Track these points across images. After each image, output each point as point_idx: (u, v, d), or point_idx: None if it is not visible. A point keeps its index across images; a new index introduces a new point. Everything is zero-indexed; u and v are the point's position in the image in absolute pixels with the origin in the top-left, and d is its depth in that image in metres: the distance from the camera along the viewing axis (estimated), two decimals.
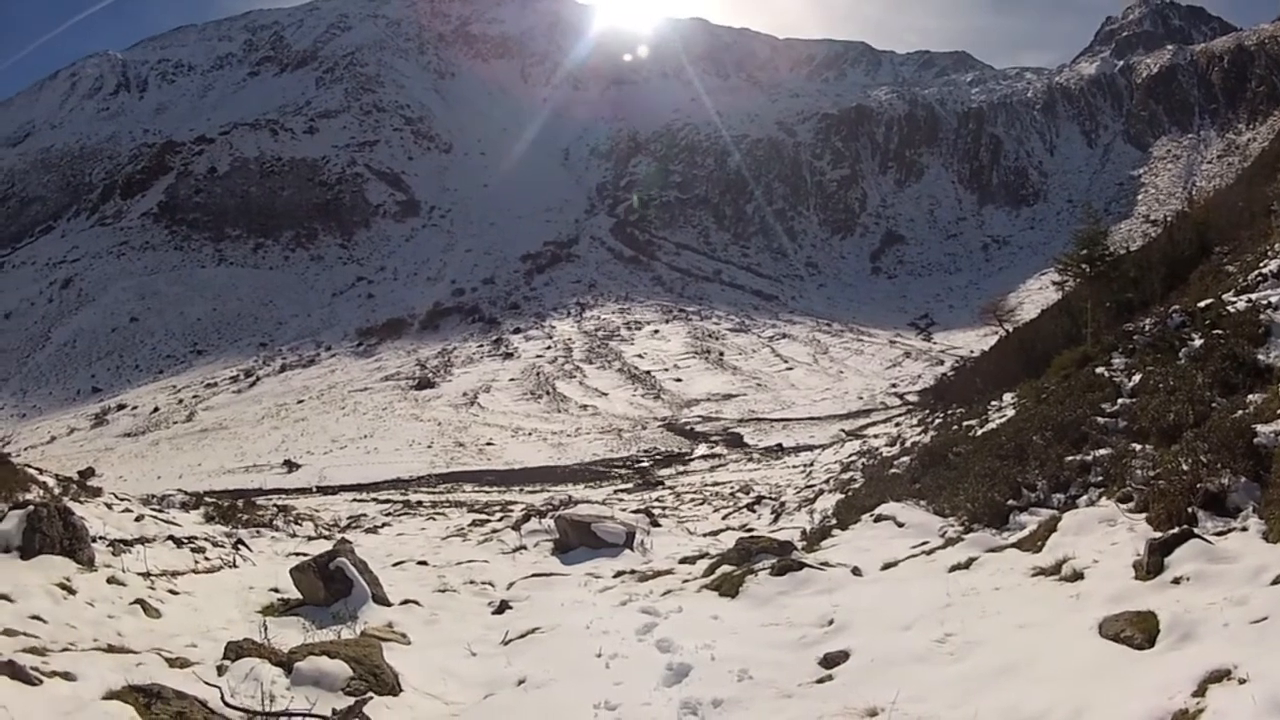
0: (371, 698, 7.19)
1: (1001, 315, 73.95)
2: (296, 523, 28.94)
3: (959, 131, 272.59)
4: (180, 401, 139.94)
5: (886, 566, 11.05)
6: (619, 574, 13.55)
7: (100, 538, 13.99)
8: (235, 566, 15.78)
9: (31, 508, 12.34)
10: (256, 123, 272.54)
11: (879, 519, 14.01)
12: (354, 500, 53.38)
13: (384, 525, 31.59)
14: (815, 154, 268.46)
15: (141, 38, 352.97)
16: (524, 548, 17.91)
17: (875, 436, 54.72)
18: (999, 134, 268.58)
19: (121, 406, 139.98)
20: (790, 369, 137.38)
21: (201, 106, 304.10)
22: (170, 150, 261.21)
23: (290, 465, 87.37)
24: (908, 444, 31.43)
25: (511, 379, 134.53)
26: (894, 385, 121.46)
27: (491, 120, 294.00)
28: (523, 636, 9.89)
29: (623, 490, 49.05)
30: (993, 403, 25.66)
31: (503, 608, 11.96)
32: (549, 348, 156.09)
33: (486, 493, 56.16)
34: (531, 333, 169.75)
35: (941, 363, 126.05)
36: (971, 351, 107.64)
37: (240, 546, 18.39)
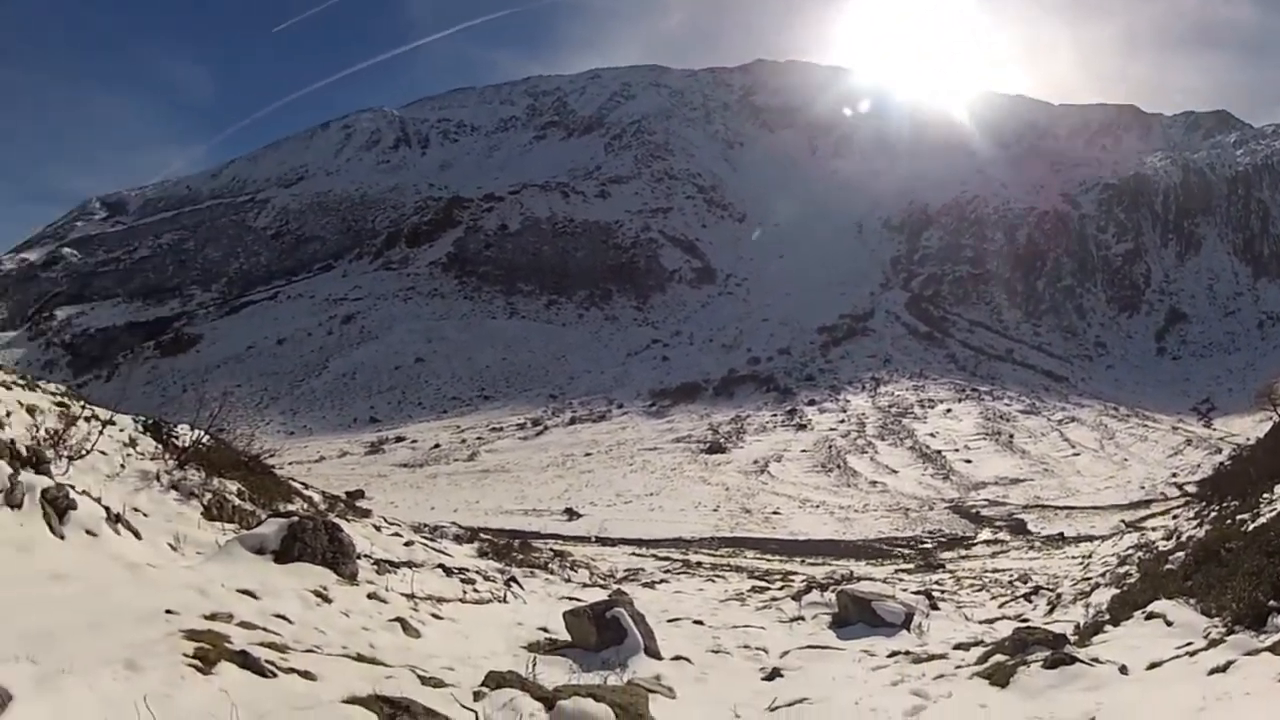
0: None
1: (1276, 400, 68.13)
2: (572, 568, 29.29)
3: (1229, 198, 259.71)
4: (463, 441, 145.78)
5: (1151, 666, 10.49)
6: (894, 654, 13.13)
7: (365, 555, 14.09)
8: (505, 601, 15.82)
9: (296, 519, 12.66)
10: (546, 184, 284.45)
11: (1150, 616, 13.30)
12: (632, 554, 53.86)
13: (661, 581, 31.72)
14: (1099, 226, 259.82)
15: (409, 98, 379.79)
16: (802, 618, 17.38)
17: (1153, 529, 51.80)
18: (1265, 199, 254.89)
19: (400, 439, 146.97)
20: (1077, 454, 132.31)
21: (487, 165, 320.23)
22: (458, 205, 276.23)
23: (571, 513, 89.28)
24: (1183, 538, 30.04)
25: (803, 450, 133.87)
26: (1174, 474, 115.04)
27: (782, 190, 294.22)
28: (790, 705, 9.57)
29: (903, 570, 47.83)
30: (1265, 495, 24.58)
31: (773, 675, 11.61)
32: (842, 421, 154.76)
33: (768, 560, 55.42)
34: (826, 405, 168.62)
35: (1220, 450, 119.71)
36: (1247, 439, 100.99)
37: (513, 584, 18.48)
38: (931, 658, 12.63)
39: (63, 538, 10.60)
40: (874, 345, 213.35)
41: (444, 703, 6.90)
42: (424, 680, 7.92)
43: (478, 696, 7.32)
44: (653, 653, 11.28)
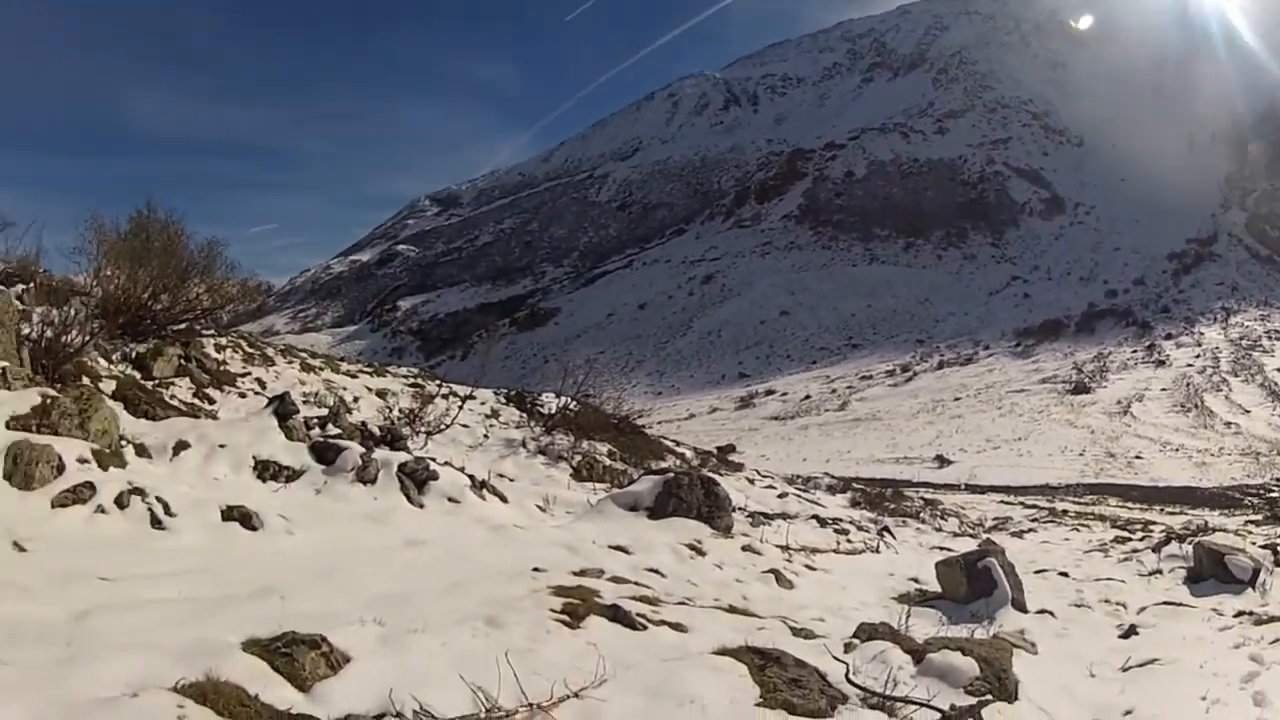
0: (990, 700, 6.76)
1: None
2: (942, 517, 28.95)
3: None
4: (834, 391, 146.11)
5: None
6: (1239, 614, 12.38)
7: (740, 509, 14.38)
8: (878, 552, 15.87)
9: (671, 474, 13.25)
10: (884, 126, 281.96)
11: None
12: (1000, 502, 52.45)
13: (1029, 531, 30.69)
14: None
15: (723, 60, 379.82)
16: (1159, 572, 16.55)
17: None
18: None
19: (770, 392, 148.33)
20: None
21: (821, 115, 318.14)
22: (800, 157, 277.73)
23: (941, 460, 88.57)
24: None
25: (1163, 389, 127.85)
26: None
27: (1113, 109, 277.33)
28: (1142, 666, 9.25)
29: (1252, 521, 44.39)
30: None
31: (1129, 632, 11.23)
32: (1198, 356, 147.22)
33: (1129, 509, 53.09)
34: (1182, 339, 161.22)
35: None
36: None
37: (885, 534, 18.46)
38: (1272, 619, 11.81)
39: (422, 507, 11.64)
40: (1220, 272, 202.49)
41: (814, 654, 6.92)
42: (795, 631, 8.08)
43: (848, 648, 7.33)
44: (1019, 605, 11.11)
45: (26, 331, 13.12)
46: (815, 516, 18.95)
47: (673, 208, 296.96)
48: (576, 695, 5.64)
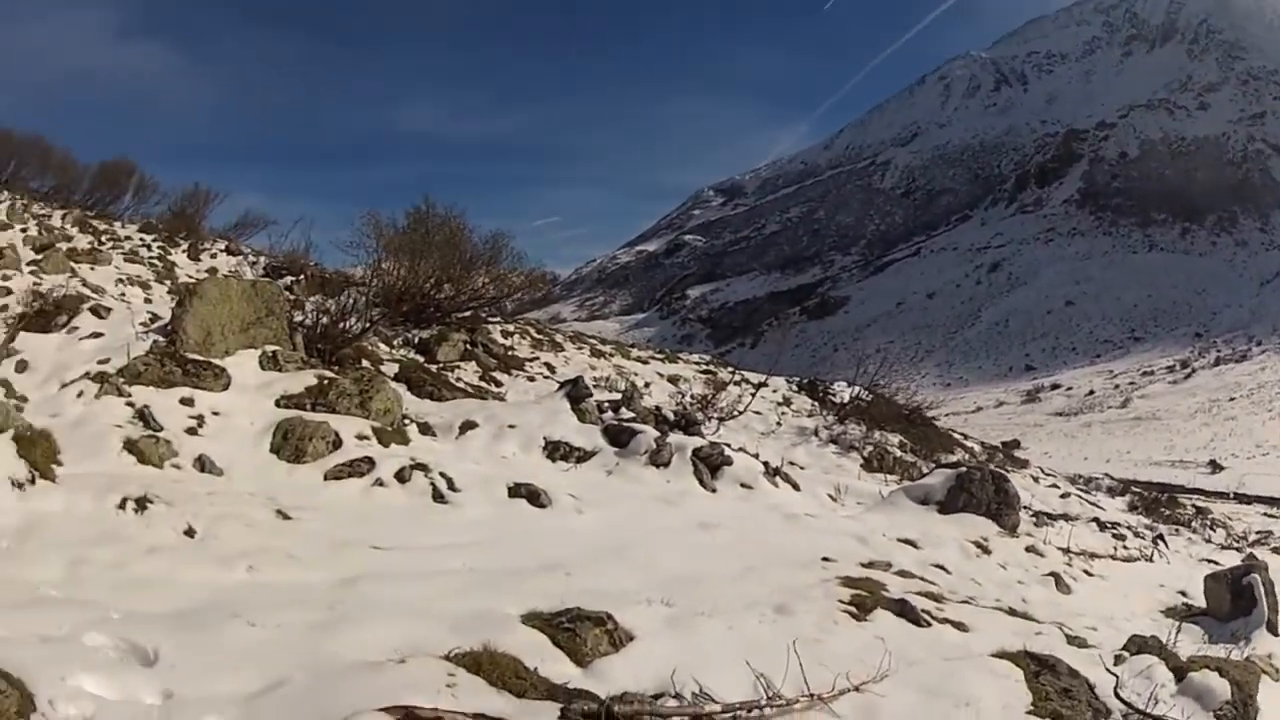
0: None
1: None
2: (1211, 528, 27.34)
3: None
4: (1116, 387, 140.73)
5: None
6: None
7: (1025, 507, 14.01)
8: (1151, 561, 15.10)
9: (964, 469, 12.90)
10: (1150, 103, 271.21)
11: None
12: (1264, 514, 49.03)
13: None
14: None
15: (988, 39, 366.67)
16: None
17: None
18: None
19: (1055, 386, 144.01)
20: None
21: (1088, 92, 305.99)
22: (1075, 138, 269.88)
23: (1215, 466, 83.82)
24: None
25: None
26: None
27: None
28: None
29: None
30: None
31: None
32: None
33: None
34: None
35: None
36: None
37: (1159, 541, 17.63)
38: None
39: (715, 491, 11.60)
40: None
41: (1087, 663, 6.70)
42: (1070, 639, 7.72)
43: (1118, 660, 7.05)
44: (1272, 627, 10.35)
45: (300, 319, 13.77)
46: (1095, 519, 18.21)
47: (956, 194, 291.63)
48: (857, 689, 5.54)
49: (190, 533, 7.87)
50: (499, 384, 17.66)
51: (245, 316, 12.29)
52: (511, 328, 24.46)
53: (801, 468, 15.06)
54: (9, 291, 15.21)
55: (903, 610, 7.20)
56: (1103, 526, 17.31)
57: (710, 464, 12.07)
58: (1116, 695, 6.23)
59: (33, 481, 8.30)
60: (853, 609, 7.11)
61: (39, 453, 8.70)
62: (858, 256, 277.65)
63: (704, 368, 27.24)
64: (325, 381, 11.65)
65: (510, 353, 21.13)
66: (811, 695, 5.36)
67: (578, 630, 5.82)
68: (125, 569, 6.98)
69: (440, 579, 7.12)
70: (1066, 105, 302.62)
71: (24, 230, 24.18)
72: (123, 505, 8.12)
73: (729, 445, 13.01)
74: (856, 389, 21.67)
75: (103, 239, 26.50)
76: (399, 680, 4.98)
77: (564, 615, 6.03)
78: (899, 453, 18.49)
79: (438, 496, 9.74)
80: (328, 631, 5.79)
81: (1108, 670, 6.62)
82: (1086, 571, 12.10)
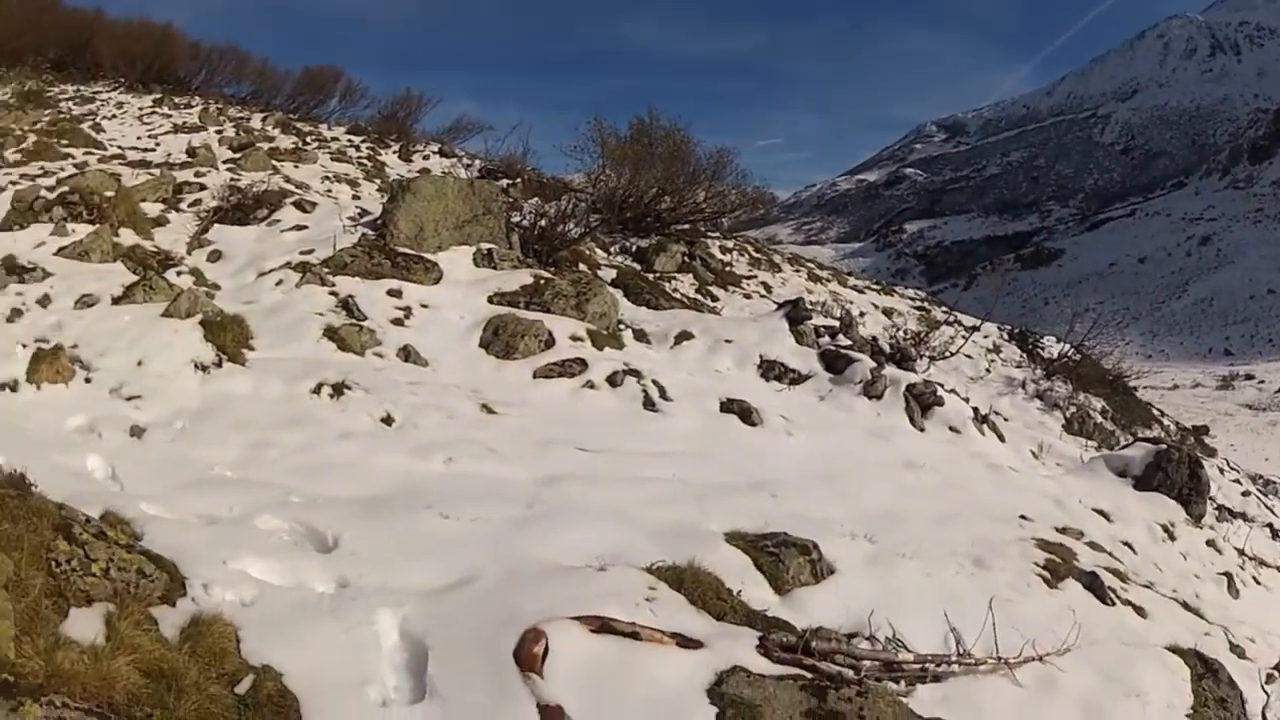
0: None
1: None
2: None
3: None
4: None
5: None
6: None
7: (1210, 499, 13.55)
8: None
9: (1163, 447, 12.39)
10: None
11: None
12: None
13: None
14: None
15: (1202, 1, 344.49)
16: None
17: None
18: None
19: (1249, 377, 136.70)
20: None
21: None
22: None
23: None
24: None
25: None
26: None
27: None
28: None
29: None
30: None
31: None
32: None
33: None
34: None
35: None
36: None
37: None
38: None
39: (923, 430, 11.41)
40: None
41: (1243, 675, 6.49)
42: (1231, 646, 7.50)
43: (1269, 679, 6.84)
44: None
45: (517, 219, 13.91)
46: (1270, 525, 17.42)
47: (1172, 157, 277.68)
48: (1040, 660, 5.51)
49: (388, 420, 8.03)
50: (715, 299, 17.69)
51: (460, 214, 12.58)
52: (730, 244, 24.36)
53: (1005, 419, 14.61)
54: (203, 188, 15.54)
55: (1092, 584, 7.02)
56: (1275, 534, 16.58)
57: (922, 402, 11.88)
58: (1264, 716, 6.10)
59: (219, 364, 8.62)
60: (1045, 574, 6.95)
61: (229, 337, 9.02)
62: (1075, 210, 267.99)
63: (918, 303, 26.65)
64: (541, 281, 11.79)
65: (727, 269, 21.06)
66: (999, 658, 5.36)
67: (781, 556, 5.87)
68: (313, 452, 7.12)
69: (645, 486, 7.14)
70: (1274, 81, 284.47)
71: (219, 132, 24.96)
72: (317, 390, 8.35)
73: (941, 386, 12.71)
74: (1065, 346, 21.01)
75: (307, 140, 26.95)
76: (596, 588, 5.02)
77: (769, 539, 6.06)
78: (1099, 418, 17.82)
79: (648, 404, 9.82)
80: (525, 529, 5.83)
81: (1261, 687, 6.45)
82: (1255, 579, 11.65)
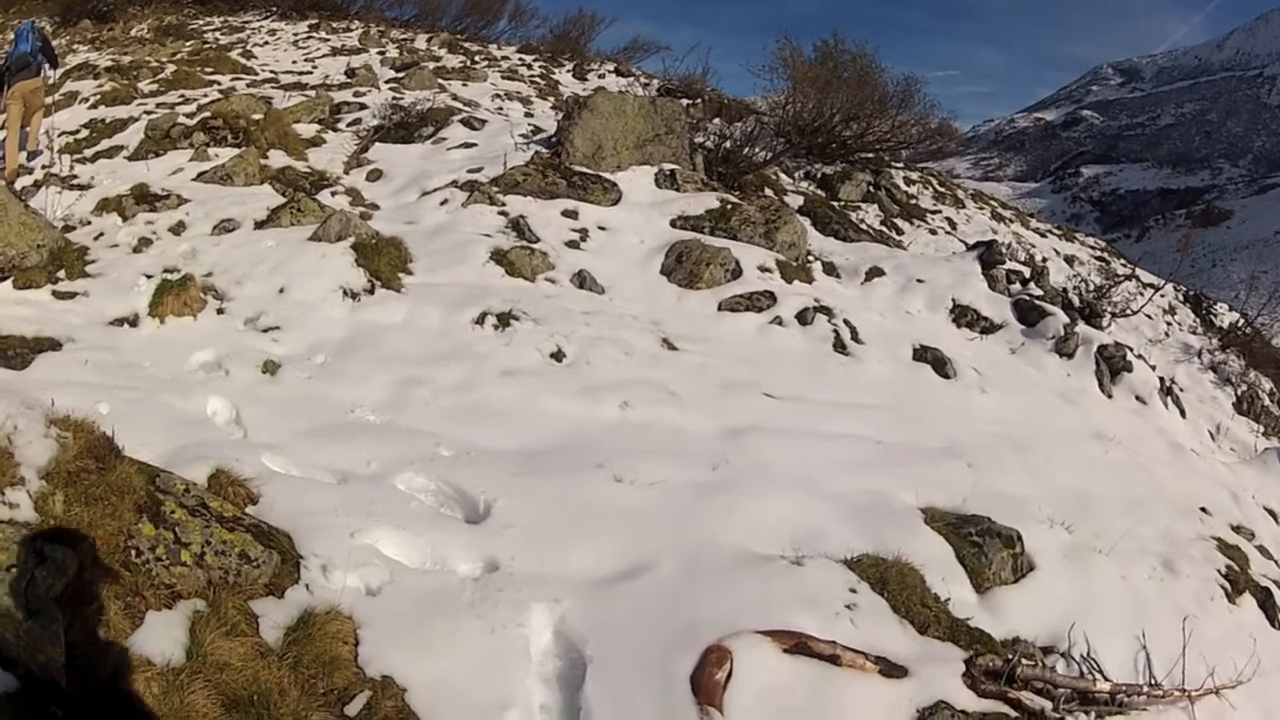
0: None
1: None
2: None
3: None
4: None
5: None
6: None
7: None
8: None
9: None
10: None
11: None
12: None
13: None
14: None
15: None
16: None
17: None
18: None
19: None
20: None
21: None
22: None
23: None
24: None
25: None
26: None
27: None
28: None
29: None
30: None
31: None
32: None
33: None
34: None
35: None
36: None
37: None
38: None
39: (1110, 397, 10.39)
40: None
41: None
42: None
43: None
44: None
45: (700, 140, 13.05)
46: None
47: None
48: (1217, 693, 5.15)
49: (558, 356, 7.21)
50: (900, 231, 16.78)
51: (641, 133, 11.66)
52: (915, 175, 23.30)
53: (1181, 390, 13.38)
54: (363, 107, 15.02)
55: (1264, 603, 6.52)
56: None
57: (1112, 366, 10.80)
58: None
59: (371, 291, 7.88)
60: (1226, 585, 6.38)
61: (383, 261, 8.28)
62: (1245, 170, 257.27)
63: (1098, 253, 25.21)
64: (728, 206, 10.82)
65: (912, 201, 20.08)
66: (1183, 689, 5.00)
67: (985, 547, 5.39)
68: (470, 393, 6.38)
69: (835, 444, 6.50)
70: None
71: (381, 53, 24.39)
72: (480, 320, 7.53)
73: (1130, 348, 11.63)
74: (1238, 316, 19.29)
75: (476, 59, 26.23)
76: (791, 589, 4.38)
77: (971, 524, 5.57)
78: (1268, 401, 16.35)
79: (839, 346, 8.91)
80: (709, 498, 5.14)
81: None
82: None
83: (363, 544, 4.18)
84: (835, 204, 15.86)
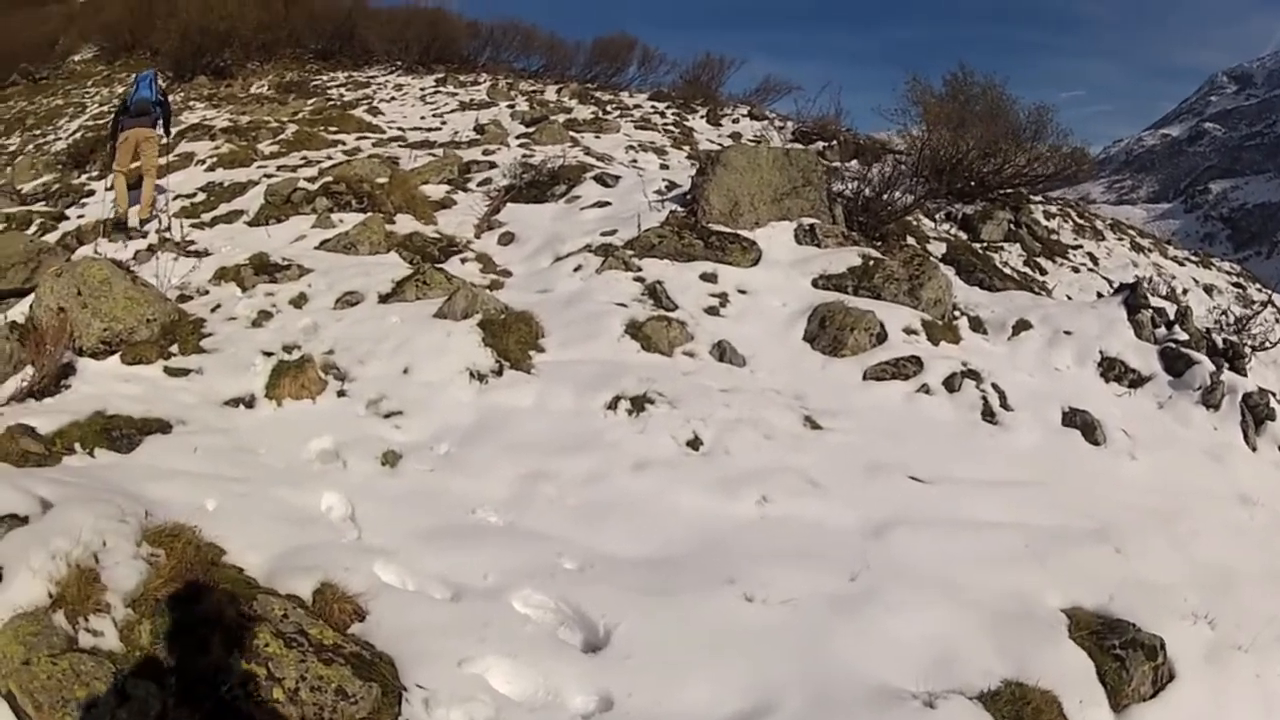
0: None
1: None
2: None
3: None
4: None
5: None
6: None
7: None
8: None
9: None
10: None
11: None
12: None
13: None
14: None
15: None
16: None
17: None
18: None
19: None
20: None
21: None
22: None
23: None
24: None
25: None
26: None
27: None
28: None
29: None
30: None
31: None
32: None
33: None
34: None
35: None
36: None
37: None
38: None
39: (1254, 449, 9.54)
40: None
41: None
42: None
43: None
44: None
45: (839, 188, 12.44)
46: None
47: None
48: None
49: (694, 443, 6.74)
50: (1043, 271, 16.25)
51: (777, 186, 11.18)
52: (1054, 209, 22.62)
53: None
54: (493, 165, 14.76)
55: None
56: None
57: (1256, 415, 9.87)
58: None
59: (499, 372, 7.56)
60: None
61: (512, 339, 7.98)
62: None
63: (1234, 279, 24.41)
64: (870, 262, 10.31)
65: (1052, 236, 19.56)
66: None
67: (1127, 662, 5.02)
68: (598, 487, 6.00)
69: (981, 535, 6.03)
70: None
71: (511, 106, 24.30)
72: (613, 405, 7.11)
73: (1273, 394, 10.57)
74: None
75: (607, 108, 26.04)
76: None
77: (1114, 632, 5.23)
78: None
79: (987, 414, 8.29)
80: (845, 616, 4.83)
81: None
82: None
83: (470, 674, 3.99)
84: (977, 246, 15.37)
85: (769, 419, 7.19)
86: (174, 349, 7.79)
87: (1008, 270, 14.28)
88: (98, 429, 6.30)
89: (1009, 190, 19.34)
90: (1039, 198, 22.45)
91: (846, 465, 6.68)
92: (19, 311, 8.35)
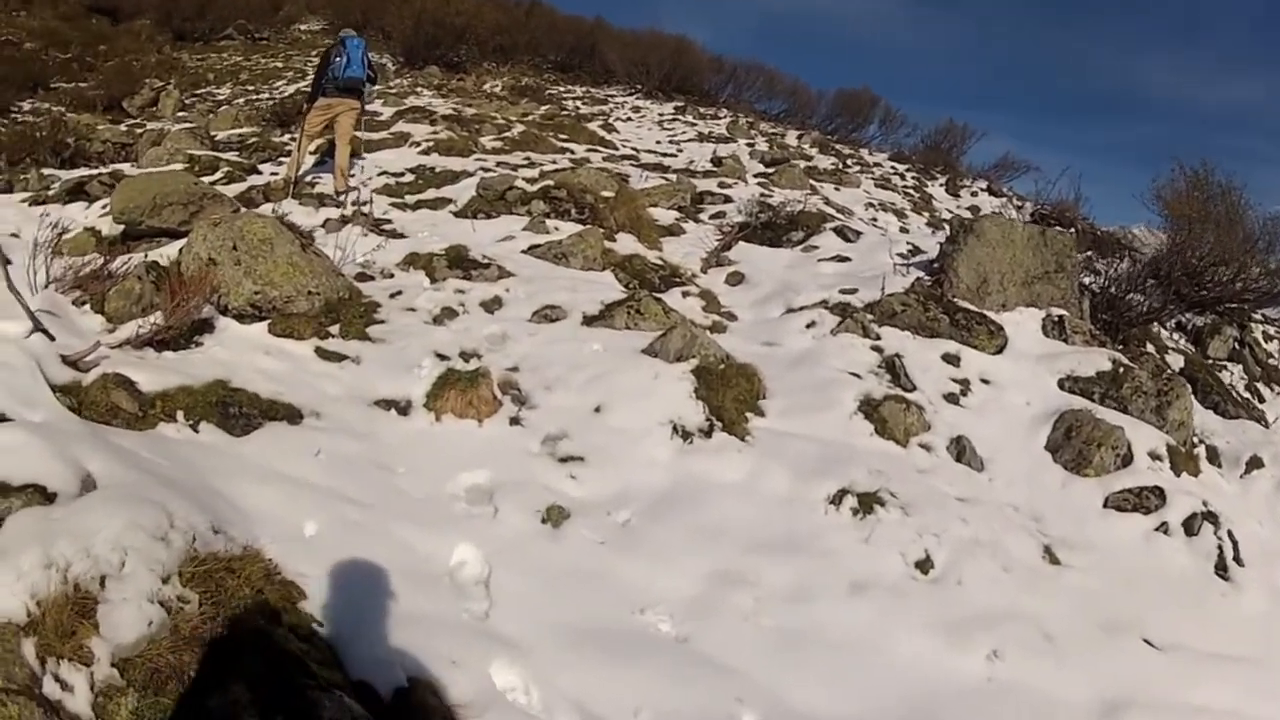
0: None
1: None
2: None
3: None
4: None
5: None
6: None
7: None
8: None
9: None
10: None
11: None
12: None
13: None
14: None
15: None
16: None
17: None
18: None
19: None
20: None
21: None
22: None
23: None
24: None
25: None
26: None
27: None
28: None
29: None
30: None
31: None
32: None
33: None
34: None
35: None
36: None
37: None
38: None
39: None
40: None
41: None
42: None
43: None
44: None
45: (1088, 281, 11.12)
46: None
47: None
48: None
49: (924, 565, 5.30)
50: (1261, 399, 13.79)
51: (1030, 268, 9.67)
52: (1272, 330, 20.48)
53: None
54: (728, 199, 13.57)
55: None
56: None
57: None
58: None
59: (707, 433, 6.11)
60: None
61: (729, 395, 6.54)
62: None
63: None
64: (1120, 369, 8.67)
65: (1270, 361, 17.24)
66: None
67: None
68: (803, 609, 4.66)
69: None
70: None
71: (750, 145, 23.12)
72: (837, 500, 5.61)
73: None
74: None
75: (848, 162, 24.58)
76: None
77: None
78: None
79: (1220, 568, 6.69)
80: None
81: None
82: None
83: None
84: (1207, 363, 13.41)
85: (1008, 545, 5.75)
86: (334, 329, 6.68)
87: (1234, 394, 12.42)
88: (212, 400, 5.22)
89: (1234, 305, 17.41)
90: (1259, 316, 20.35)
91: (1084, 617, 5.32)
92: (165, 254, 7.25)
